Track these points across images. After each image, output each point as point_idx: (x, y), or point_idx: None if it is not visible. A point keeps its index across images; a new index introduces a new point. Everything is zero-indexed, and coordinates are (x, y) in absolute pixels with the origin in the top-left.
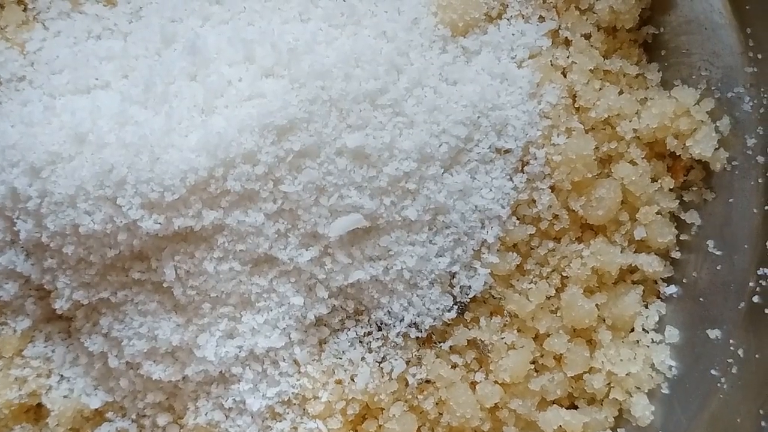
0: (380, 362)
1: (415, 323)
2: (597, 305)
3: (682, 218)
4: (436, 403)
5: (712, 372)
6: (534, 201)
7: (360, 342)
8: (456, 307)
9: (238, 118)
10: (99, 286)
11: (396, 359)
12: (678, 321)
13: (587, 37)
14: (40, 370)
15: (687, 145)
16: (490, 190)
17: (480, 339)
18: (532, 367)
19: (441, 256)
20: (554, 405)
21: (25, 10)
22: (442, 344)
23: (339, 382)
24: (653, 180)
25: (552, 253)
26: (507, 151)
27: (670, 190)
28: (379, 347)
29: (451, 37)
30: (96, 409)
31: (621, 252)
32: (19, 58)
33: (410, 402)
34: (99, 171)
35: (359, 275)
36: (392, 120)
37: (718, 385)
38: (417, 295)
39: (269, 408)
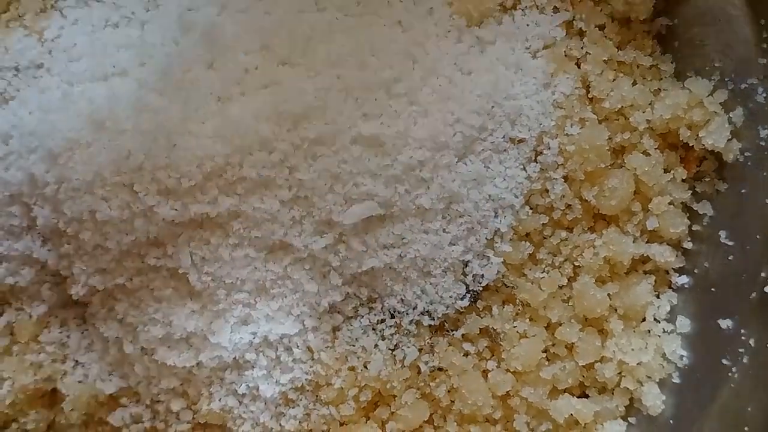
0: (393, 349)
1: (427, 311)
2: (609, 295)
3: (695, 209)
4: (448, 391)
5: (723, 362)
6: (547, 190)
7: (373, 329)
8: (469, 295)
9: (255, 105)
10: (115, 272)
11: (409, 347)
12: (689, 311)
13: (601, 27)
14: (56, 356)
15: (700, 136)
16: (504, 179)
17: (492, 327)
18: (544, 355)
19: (454, 244)
20: (565, 393)
21: None
22: (454, 332)
23: (352, 369)
24: (666, 170)
25: (564, 243)
26: (520, 141)
27: (683, 180)
28: (392, 335)
29: (465, 27)
30: (110, 395)
31: (633, 242)
32: (37, 45)
33: (422, 389)
34: (116, 157)
35: (373, 263)
36: (407, 109)
37: (729, 374)
38: (430, 283)
39: (282, 394)
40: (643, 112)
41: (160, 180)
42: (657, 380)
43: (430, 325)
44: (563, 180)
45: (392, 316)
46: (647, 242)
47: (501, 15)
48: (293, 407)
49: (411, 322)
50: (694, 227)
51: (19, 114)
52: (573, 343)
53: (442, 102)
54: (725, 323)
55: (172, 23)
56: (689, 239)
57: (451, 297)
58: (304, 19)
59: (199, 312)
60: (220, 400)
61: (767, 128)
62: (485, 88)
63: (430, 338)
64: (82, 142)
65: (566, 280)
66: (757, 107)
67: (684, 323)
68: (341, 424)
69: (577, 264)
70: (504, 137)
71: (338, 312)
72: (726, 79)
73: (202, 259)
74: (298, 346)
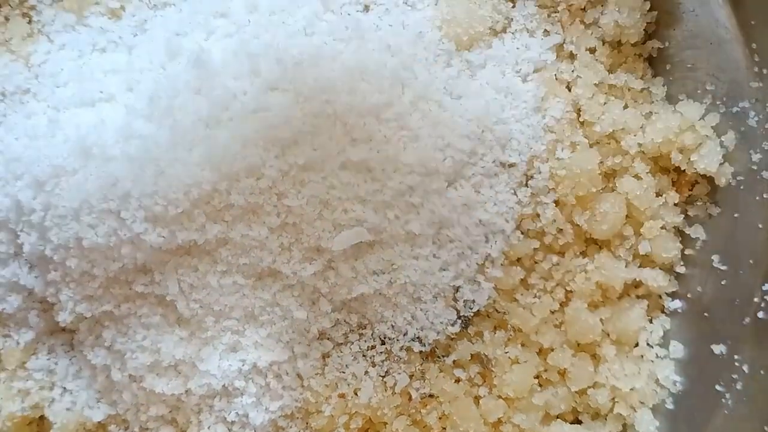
0: (383, 376)
1: (418, 337)
2: (601, 320)
3: (687, 233)
4: (439, 418)
5: (717, 387)
6: (538, 215)
7: (363, 356)
8: (459, 321)
9: (243, 131)
10: (102, 299)
11: (399, 373)
12: (682, 336)
13: (592, 51)
14: (43, 383)
15: (692, 159)
16: (495, 204)
17: (483, 353)
18: (536, 381)
19: (445, 270)
20: (558, 420)
21: (30, 22)
22: (445, 358)
23: (342, 395)
24: (658, 194)
25: (556, 268)
26: (511, 165)
27: (675, 204)
28: (382, 361)
29: (455, 51)
30: (99, 422)
31: (625, 266)
32: (24, 70)
33: (413, 416)
34: (103, 184)
35: (363, 289)
36: (397, 134)
37: (723, 400)
38: (420, 309)
39: (272, 422)
40: (635, 136)
41: (148, 207)
42: (650, 406)
43: (420, 352)
44: (554, 204)
45: (382, 343)
46: (639, 267)
47: (491, 39)
48: None
49: (401, 348)
50: (687, 251)
51: (5, 140)
52: (565, 369)
53: (431, 127)
54: (719, 348)
55: (160, 48)
56: (682, 263)
57: (441, 323)
58: (292, 44)
59: (187, 339)
60: (209, 427)
61: (759, 152)
62: (475, 112)
63: (421, 364)
64: (69, 169)
65: (558, 305)
66: (749, 131)
67: (677, 348)
68: None
69: (569, 289)
70: (494, 162)
71: (328, 339)
72: (718, 103)
73: (190, 286)
74: (287, 373)
